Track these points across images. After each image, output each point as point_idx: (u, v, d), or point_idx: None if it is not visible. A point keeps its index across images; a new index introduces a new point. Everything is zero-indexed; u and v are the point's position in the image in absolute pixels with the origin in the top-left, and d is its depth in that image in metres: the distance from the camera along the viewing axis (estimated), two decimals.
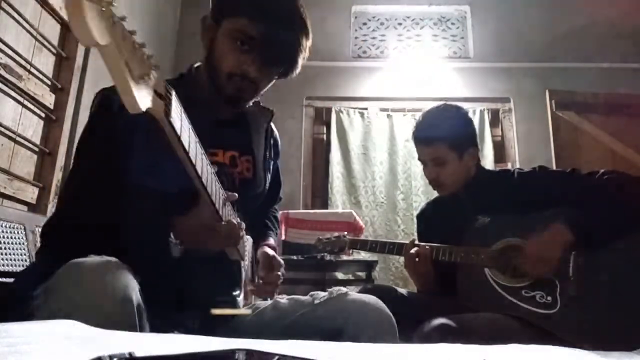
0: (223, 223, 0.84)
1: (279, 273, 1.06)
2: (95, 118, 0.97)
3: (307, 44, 1.00)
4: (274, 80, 1.04)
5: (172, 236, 0.83)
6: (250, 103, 1.06)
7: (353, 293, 0.96)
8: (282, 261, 1.09)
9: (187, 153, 0.69)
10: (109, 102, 0.94)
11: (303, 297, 0.99)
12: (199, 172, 0.74)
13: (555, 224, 1.32)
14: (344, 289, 0.97)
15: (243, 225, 0.90)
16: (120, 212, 0.90)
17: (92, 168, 0.93)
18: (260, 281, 1.06)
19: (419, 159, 1.57)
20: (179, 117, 0.67)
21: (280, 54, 0.98)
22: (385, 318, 0.91)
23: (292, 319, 0.94)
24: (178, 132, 0.66)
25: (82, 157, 0.97)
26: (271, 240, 1.21)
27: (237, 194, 0.91)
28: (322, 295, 0.96)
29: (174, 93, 0.67)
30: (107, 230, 0.85)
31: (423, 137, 1.53)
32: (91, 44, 0.49)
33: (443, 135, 1.50)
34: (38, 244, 1.73)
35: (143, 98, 0.57)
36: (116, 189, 0.90)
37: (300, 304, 0.97)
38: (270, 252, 1.12)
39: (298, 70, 1.03)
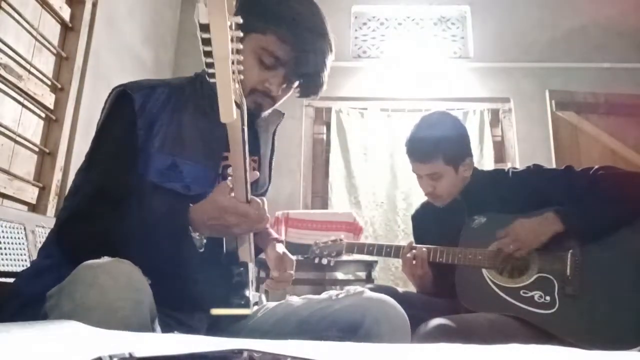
0: (248, 205, 0.81)
1: (292, 272, 1.06)
2: (113, 116, 0.95)
3: (331, 62, 1.00)
4: (290, 93, 1.03)
5: (190, 229, 0.82)
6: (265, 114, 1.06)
7: (369, 291, 0.96)
8: (293, 258, 1.09)
9: (244, 153, 0.75)
10: (129, 100, 0.93)
11: (317, 296, 1.00)
12: (246, 159, 0.77)
13: (547, 212, 1.34)
14: (360, 288, 0.97)
15: (264, 200, 0.85)
16: (137, 210, 0.90)
17: (109, 167, 0.92)
18: (271, 279, 1.06)
19: (414, 171, 1.55)
20: (245, 125, 0.74)
21: (304, 75, 0.97)
22: (401, 316, 0.92)
23: (308, 314, 0.94)
24: (245, 139, 0.73)
25: (100, 156, 0.94)
26: (274, 233, 1.22)
27: (257, 173, 0.94)
28: (338, 293, 0.97)
29: (244, 101, 0.73)
30: (123, 230, 0.85)
31: (417, 153, 1.50)
32: (224, 57, 0.59)
33: (438, 152, 1.47)
34: (38, 244, 1.73)
35: (234, 108, 0.66)
36: (133, 188, 0.90)
37: (316, 301, 0.97)
38: (281, 249, 1.11)
39: (324, 88, 1.02)
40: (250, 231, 0.86)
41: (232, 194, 0.82)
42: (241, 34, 0.62)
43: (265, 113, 1.05)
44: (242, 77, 0.67)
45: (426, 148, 1.48)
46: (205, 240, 0.84)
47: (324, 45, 0.97)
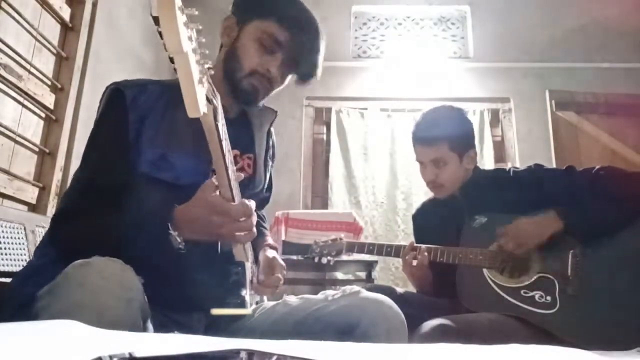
0: (235, 204, 0.79)
1: (279, 276, 1.05)
2: (106, 112, 0.97)
3: (324, 47, 1.08)
4: (286, 83, 1.08)
5: (170, 228, 0.80)
6: (260, 104, 1.08)
7: (366, 291, 0.95)
8: (283, 263, 1.08)
9: (222, 149, 0.73)
10: (121, 96, 0.95)
11: (314, 296, 0.99)
12: (225, 155, 0.76)
13: (547, 211, 1.34)
14: (357, 288, 0.97)
15: (253, 204, 0.84)
16: (127, 206, 0.90)
17: (101, 163, 0.93)
18: (258, 283, 1.05)
19: (418, 159, 1.56)
20: (221, 120, 0.73)
21: (302, 57, 1.05)
22: (398, 316, 0.92)
23: (305, 314, 0.94)
24: (221, 135, 0.72)
25: (92, 152, 0.96)
26: (270, 239, 1.21)
27: (242, 175, 0.92)
28: (334, 293, 0.96)
29: (218, 96, 0.72)
30: (113, 226, 0.85)
31: (423, 137, 1.52)
32: (177, 51, 0.57)
33: (444, 136, 1.49)
34: (38, 243, 1.73)
35: (201, 103, 0.64)
36: (125, 182, 0.91)
37: (313, 302, 0.97)
38: (271, 254, 1.11)
39: (320, 72, 1.09)
40: (236, 231, 0.85)
41: (218, 192, 0.80)
42: (200, 27, 0.61)
43: (259, 106, 1.08)
44: (212, 72, 0.67)
45: (432, 131, 1.51)
46: (183, 242, 0.82)
47: (317, 28, 1.05)
